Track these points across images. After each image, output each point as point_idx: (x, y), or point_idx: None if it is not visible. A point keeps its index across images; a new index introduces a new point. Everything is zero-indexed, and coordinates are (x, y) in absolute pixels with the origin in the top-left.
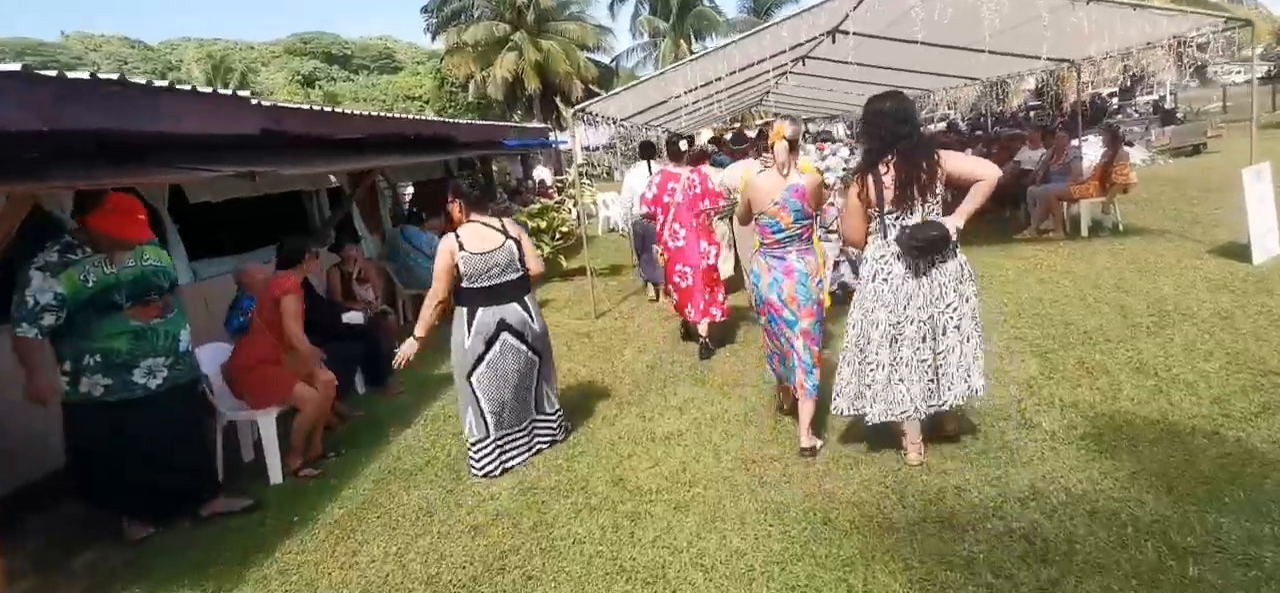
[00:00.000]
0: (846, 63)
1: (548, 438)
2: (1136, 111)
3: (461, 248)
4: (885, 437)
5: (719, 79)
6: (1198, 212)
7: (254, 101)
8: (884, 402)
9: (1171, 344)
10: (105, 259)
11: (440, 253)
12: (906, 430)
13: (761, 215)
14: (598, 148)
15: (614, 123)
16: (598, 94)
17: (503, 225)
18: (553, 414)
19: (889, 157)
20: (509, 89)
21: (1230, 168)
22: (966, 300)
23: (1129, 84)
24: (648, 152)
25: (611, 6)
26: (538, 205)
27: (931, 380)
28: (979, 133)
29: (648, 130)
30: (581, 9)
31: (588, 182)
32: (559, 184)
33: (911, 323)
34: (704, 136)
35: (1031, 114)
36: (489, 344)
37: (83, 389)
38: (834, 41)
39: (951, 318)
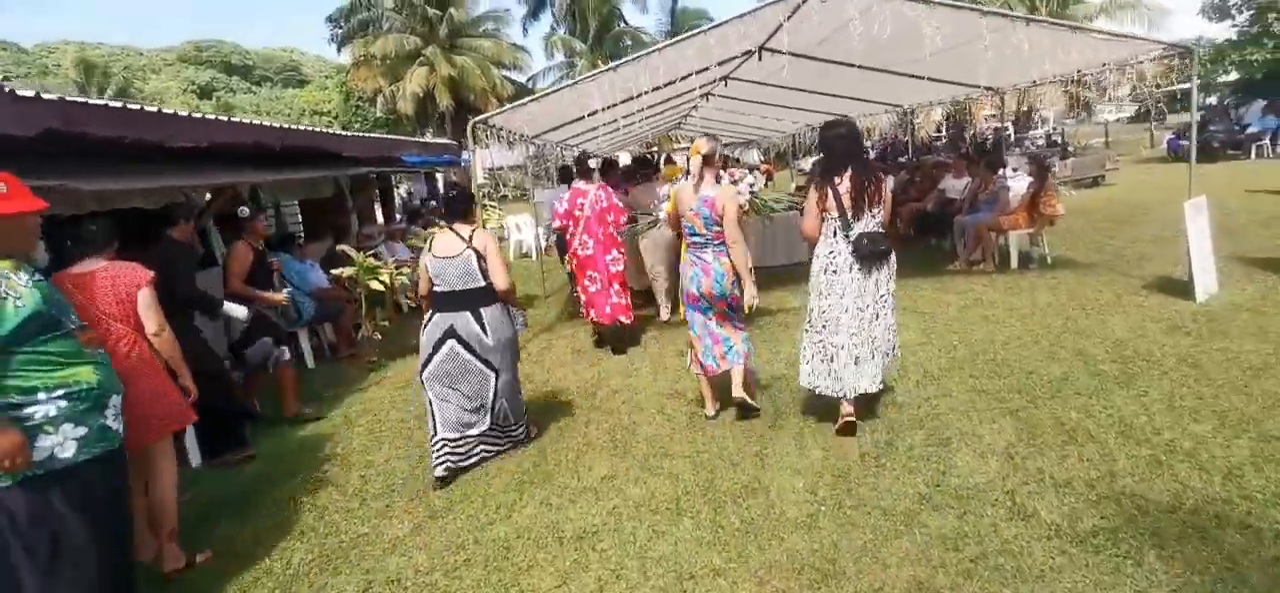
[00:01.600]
0: (767, 85)
1: (493, 450)
2: (1032, 144)
3: (429, 250)
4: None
5: (639, 95)
6: (1118, 244)
7: (34, 95)
8: (833, 378)
9: (1148, 398)
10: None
11: (423, 256)
12: (843, 404)
13: (683, 220)
14: (503, 167)
15: (527, 141)
16: None
17: (469, 235)
18: (512, 427)
19: (843, 172)
20: (420, 105)
21: (1131, 199)
22: (891, 291)
23: (1019, 118)
24: (567, 176)
25: (524, 24)
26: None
27: (868, 359)
28: (901, 159)
29: (563, 150)
30: (496, 26)
31: (492, 204)
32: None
33: (853, 309)
34: (624, 159)
35: (937, 143)
36: (436, 347)
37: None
38: (760, 59)
39: (882, 306)
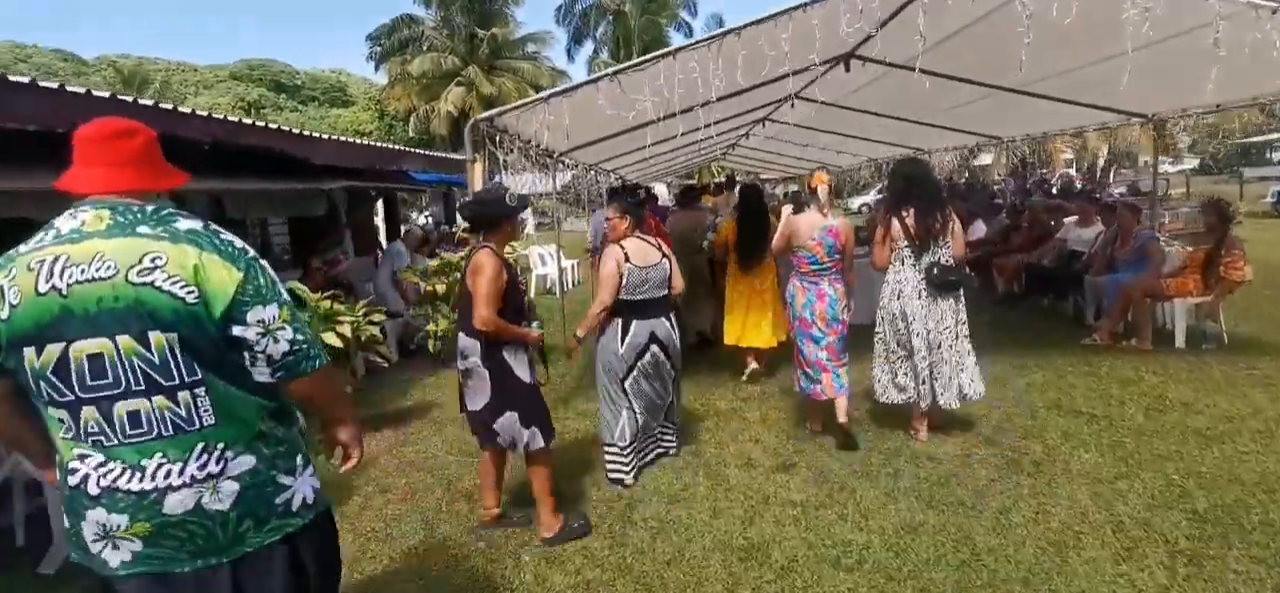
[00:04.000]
0: (834, 106)
1: (663, 448)
2: (1111, 195)
3: (627, 259)
4: None
5: (702, 106)
6: None
7: None
8: (899, 390)
9: None
10: None
11: (607, 261)
12: (914, 416)
13: (800, 249)
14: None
15: (557, 159)
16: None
17: (658, 244)
18: (671, 426)
19: (909, 206)
20: (454, 125)
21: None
22: (960, 323)
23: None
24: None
25: (568, 50)
26: (438, 261)
27: (935, 380)
28: (996, 202)
29: (596, 174)
30: (538, 49)
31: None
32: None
33: (918, 336)
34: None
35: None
36: (639, 354)
37: None
38: (847, 69)
39: (947, 336)
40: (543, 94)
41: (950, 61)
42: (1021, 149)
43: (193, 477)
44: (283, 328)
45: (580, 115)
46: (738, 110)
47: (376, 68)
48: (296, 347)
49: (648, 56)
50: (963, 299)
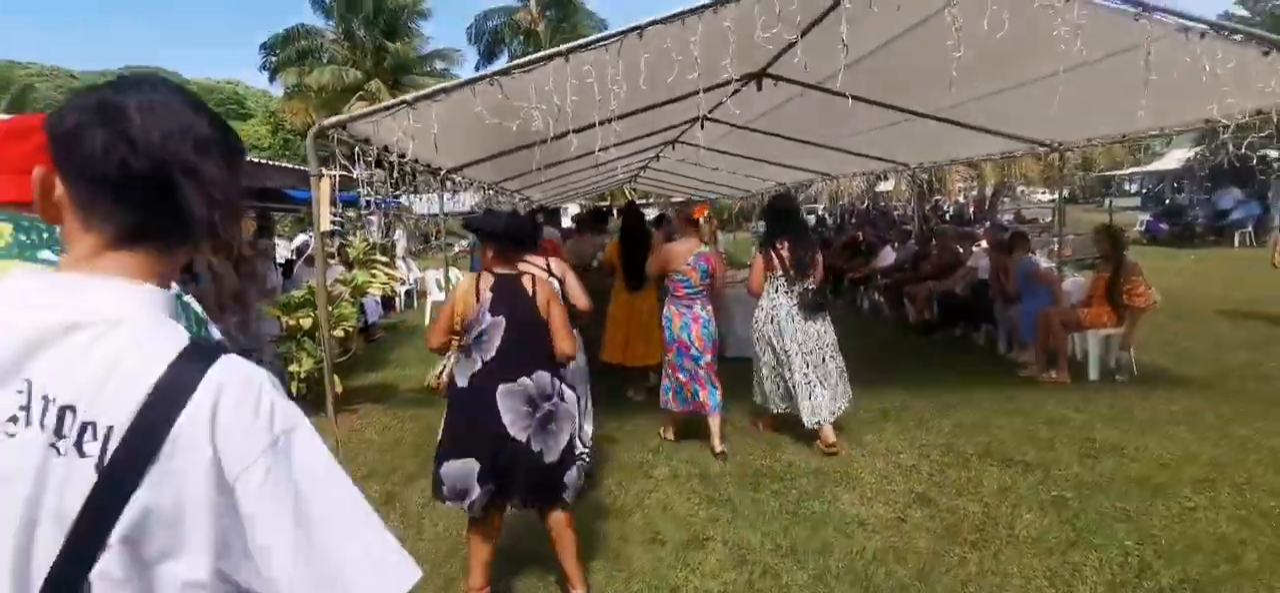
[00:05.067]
0: (750, 131)
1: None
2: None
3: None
4: None
5: (609, 121)
6: (1200, 347)
7: None
8: (784, 399)
9: None
10: None
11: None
12: (823, 430)
13: (675, 274)
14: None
15: (443, 179)
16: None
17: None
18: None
19: (784, 239)
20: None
21: (1160, 286)
22: (832, 341)
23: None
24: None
25: (478, 68)
26: (302, 292)
27: (812, 397)
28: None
29: (494, 194)
30: (447, 66)
31: (380, 259)
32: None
33: (795, 354)
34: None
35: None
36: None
37: None
38: (759, 88)
39: (824, 352)
40: (405, 97)
41: (865, 84)
42: (923, 176)
43: None
44: None
45: (458, 126)
46: (645, 130)
47: (271, 79)
48: None
49: (535, 56)
50: (829, 319)
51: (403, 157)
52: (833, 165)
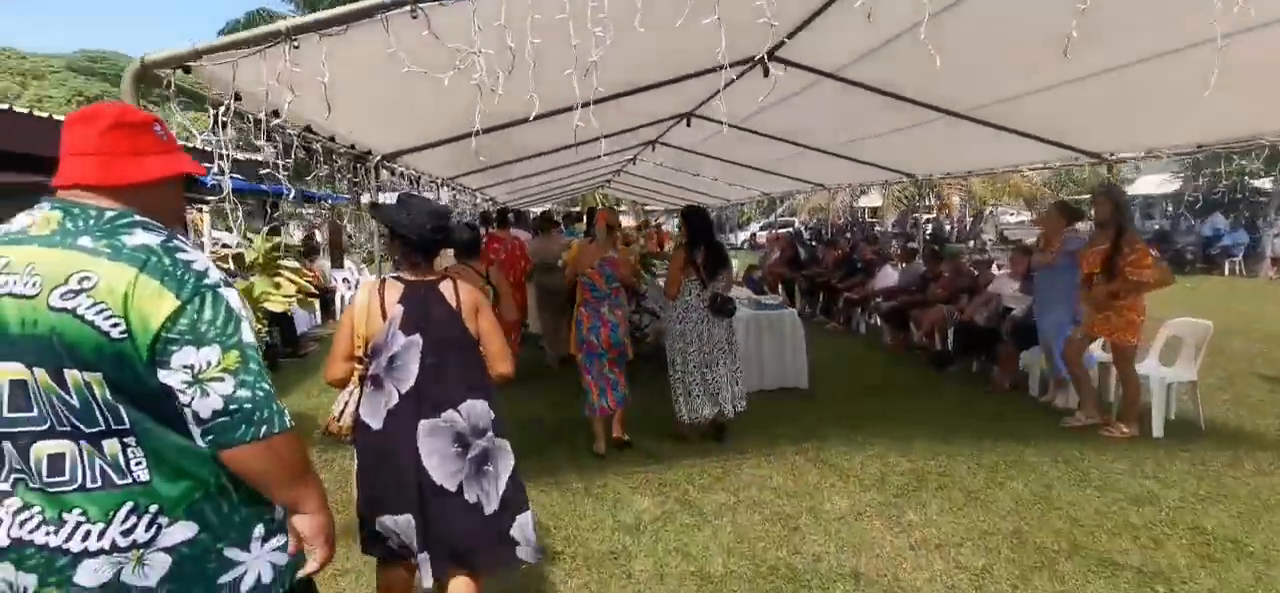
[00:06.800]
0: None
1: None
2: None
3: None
4: None
5: (583, 107)
6: (1241, 387)
7: None
8: (705, 405)
9: None
10: None
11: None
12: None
13: (582, 277)
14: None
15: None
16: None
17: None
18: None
19: (700, 247)
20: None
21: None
22: (733, 341)
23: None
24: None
25: None
26: None
27: (718, 392)
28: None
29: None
30: None
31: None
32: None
33: (707, 351)
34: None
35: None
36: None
37: None
38: (767, 74)
39: (726, 352)
40: (279, 23)
41: (882, 72)
42: (910, 191)
43: (114, 543)
44: (219, 379)
45: (375, 87)
46: (624, 125)
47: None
48: (234, 406)
49: None
50: (732, 326)
51: (310, 129)
52: (826, 174)
